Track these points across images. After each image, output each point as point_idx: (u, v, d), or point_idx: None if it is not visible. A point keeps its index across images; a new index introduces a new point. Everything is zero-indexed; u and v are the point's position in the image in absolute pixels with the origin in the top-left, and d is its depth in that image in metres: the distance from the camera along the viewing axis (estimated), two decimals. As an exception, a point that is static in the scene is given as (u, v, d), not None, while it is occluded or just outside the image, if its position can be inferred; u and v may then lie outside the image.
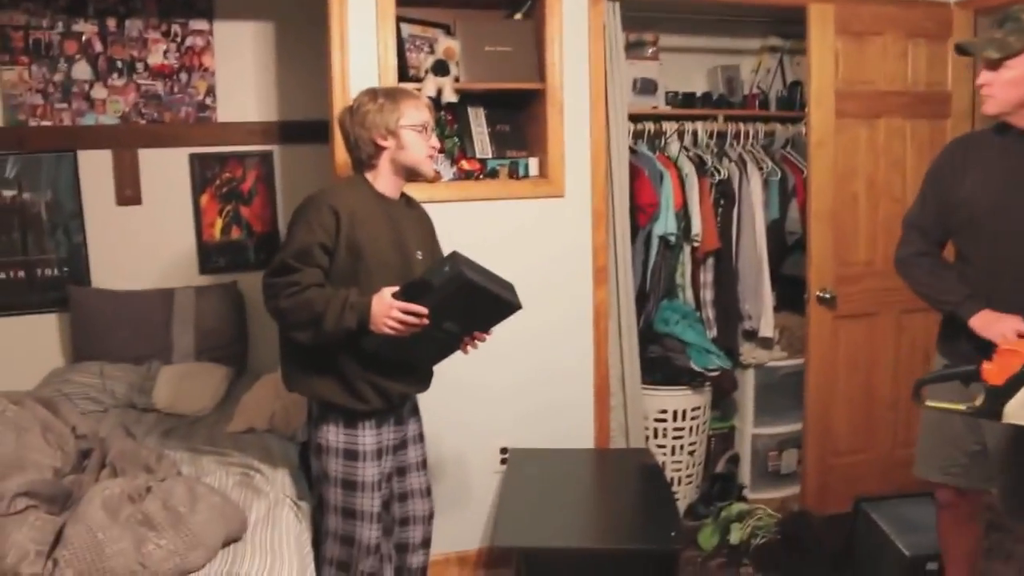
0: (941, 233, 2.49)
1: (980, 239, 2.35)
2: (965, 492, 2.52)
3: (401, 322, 2.18)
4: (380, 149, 2.40)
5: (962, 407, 2.08)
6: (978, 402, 2.04)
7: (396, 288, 2.22)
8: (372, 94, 2.43)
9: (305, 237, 2.27)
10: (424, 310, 2.17)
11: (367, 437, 2.42)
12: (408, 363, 2.44)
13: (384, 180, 2.44)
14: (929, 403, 2.18)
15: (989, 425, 2.31)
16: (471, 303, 2.25)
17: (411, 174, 2.48)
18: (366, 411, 2.40)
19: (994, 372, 2.00)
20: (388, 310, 2.18)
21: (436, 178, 2.51)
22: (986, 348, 2.15)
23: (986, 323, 2.22)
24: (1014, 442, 2.27)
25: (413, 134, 2.40)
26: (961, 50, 2.32)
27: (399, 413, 2.56)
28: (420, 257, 2.47)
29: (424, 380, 2.61)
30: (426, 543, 2.72)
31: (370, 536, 2.44)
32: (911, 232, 2.55)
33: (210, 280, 3.94)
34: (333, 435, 2.41)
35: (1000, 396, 1.99)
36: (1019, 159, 2.26)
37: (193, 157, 3.94)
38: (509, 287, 2.33)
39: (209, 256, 3.99)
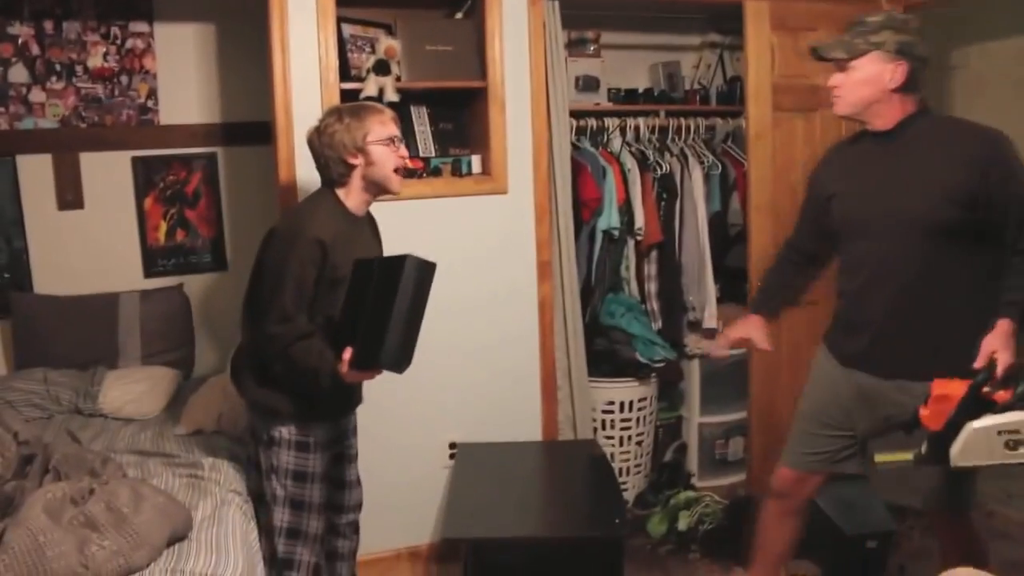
0: (810, 241, 2.61)
1: (843, 239, 2.45)
2: (806, 478, 2.60)
3: None
4: (351, 167, 2.42)
5: (910, 456, 2.10)
6: (923, 449, 2.05)
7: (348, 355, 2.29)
8: (337, 113, 2.45)
9: (301, 280, 2.31)
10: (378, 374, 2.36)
11: (319, 430, 2.50)
12: None
13: (355, 197, 2.47)
14: (879, 459, 2.20)
15: (863, 414, 2.42)
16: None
17: (380, 190, 2.49)
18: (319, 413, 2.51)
19: (931, 418, 2.02)
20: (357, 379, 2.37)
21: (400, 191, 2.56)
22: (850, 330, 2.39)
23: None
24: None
25: (381, 148, 2.42)
26: (815, 53, 2.38)
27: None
28: None
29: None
30: (356, 528, 2.82)
31: (317, 527, 2.50)
32: (781, 248, 2.76)
33: (155, 284, 3.91)
34: (286, 429, 2.46)
35: (943, 440, 2.01)
36: (872, 161, 2.34)
37: (136, 160, 3.90)
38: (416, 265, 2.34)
39: (154, 259, 3.96)
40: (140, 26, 3.87)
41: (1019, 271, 2.16)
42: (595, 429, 3.72)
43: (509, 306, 3.41)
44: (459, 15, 3.46)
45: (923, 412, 2.03)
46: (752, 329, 2.63)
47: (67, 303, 3.69)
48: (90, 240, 3.83)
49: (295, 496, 2.47)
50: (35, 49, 3.73)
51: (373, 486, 3.25)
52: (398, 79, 3.23)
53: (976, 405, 1.97)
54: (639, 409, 3.76)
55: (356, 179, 2.45)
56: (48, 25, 3.74)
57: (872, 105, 2.25)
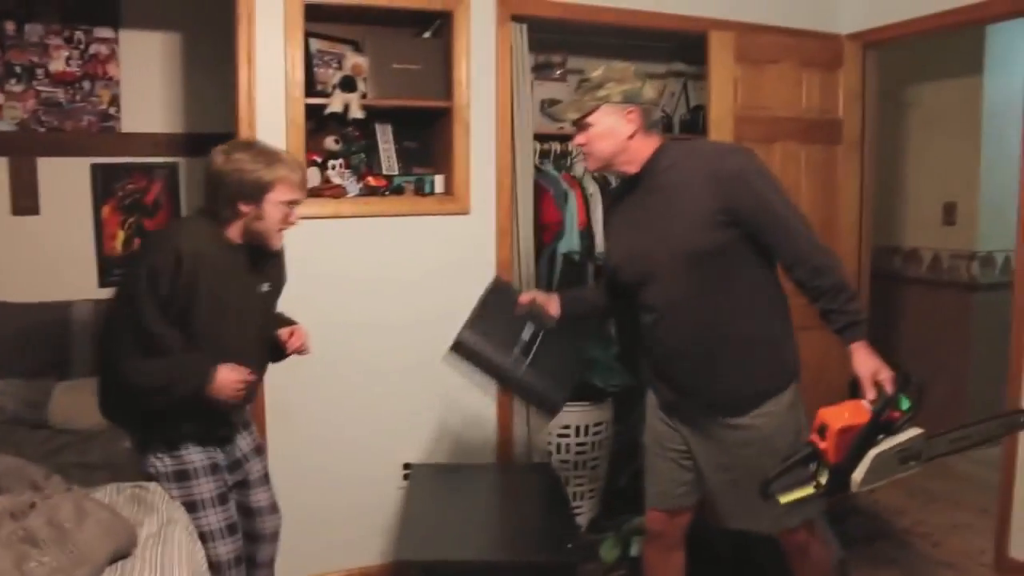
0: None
1: (630, 292, 2.46)
2: (675, 515, 2.62)
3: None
4: (239, 213, 2.32)
5: (811, 490, 2.08)
6: (823, 480, 2.04)
7: None
8: (251, 151, 2.32)
9: (153, 296, 2.20)
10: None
11: (193, 454, 2.41)
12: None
13: (233, 232, 2.36)
14: (783, 499, 2.11)
15: (697, 449, 2.45)
16: None
17: (258, 240, 2.38)
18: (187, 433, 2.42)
19: (833, 451, 2.00)
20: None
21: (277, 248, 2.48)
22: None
23: None
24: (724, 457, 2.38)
25: (276, 209, 2.32)
26: (553, 118, 2.44)
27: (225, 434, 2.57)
28: (265, 288, 2.49)
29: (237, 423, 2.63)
30: (271, 561, 2.72)
31: (228, 551, 2.43)
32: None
33: (110, 294, 3.85)
34: (160, 461, 2.41)
35: (844, 471, 2.01)
36: (633, 207, 2.40)
37: (95, 167, 3.86)
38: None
39: (110, 269, 3.91)
40: (105, 32, 3.84)
41: (824, 292, 2.18)
42: (550, 453, 3.72)
43: (468, 327, 3.40)
44: (427, 34, 3.47)
45: (822, 446, 2.02)
46: (550, 301, 2.63)
47: (17, 310, 3.63)
48: (44, 247, 3.78)
49: (196, 527, 2.39)
50: (-5, 50, 3.68)
51: (325, 505, 3.23)
52: (364, 96, 3.23)
53: (876, 431, 1.99)
54: (595, 434, 3.76)
55: (238, 224, 2.34)
56: (9, 26, 3.69)
57: (619, 155, 2.31)
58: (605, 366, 3.79)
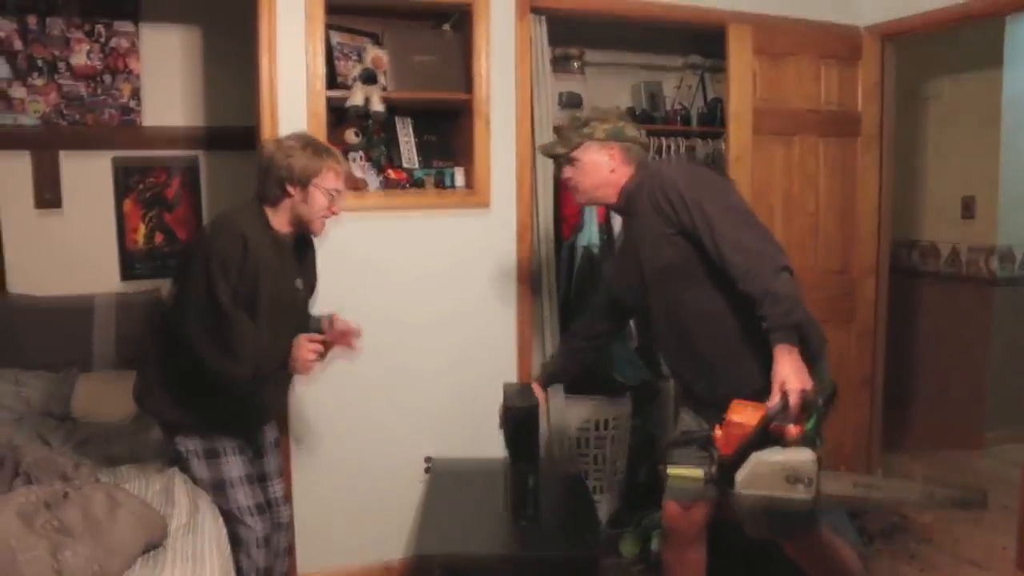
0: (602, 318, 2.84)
1: (640, 310, 2.63)
2: (689, 508, 2.62)
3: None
4: (286, 194, 2.44)
5: (699, 474, 2.13)
6: (713, 470, 2.08)
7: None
8: (303, 140, 2.49)
9: (226, 279, 2.30)
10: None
11: (223, 437, 2.52)
12: None
13: (278, 220, 2.49)
14: (671, 472, 2.22)
15: None
16: None
17: (303, 227, 2.52)
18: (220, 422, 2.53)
19: (723, 441, 2.03)
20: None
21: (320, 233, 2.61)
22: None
23: None
24: None
25: (320, 195, 2.45)
26: (543, 151, 2.66)
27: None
28: (299, 286, 2.59)
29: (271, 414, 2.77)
30: (289, 549, 2.82)
31: (259, 530, 2.51)
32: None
33: (132, 287, 3.88)
34: (191, 441, 2.50)
35: (730, 467, 2.02)
36: (626, 234, 2.61)
37: (117, 161, 3.88)
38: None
39: (131, 263, 3.93)
40: (125, 26, 3.85)
41: (755, 298, 2.16)
42: (570, 447, 3.73)
43: (488, 320, 3.40)
44: (446, 27, 3.47)
45: (717, 433, 2.06)
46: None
47: (41, 304, 3.65)
48: (67, 240, 3.80)
49: (221, 505, 2.47)
50: (17, 44, 3.70)
51: (346, 498, 3.25)
52: (384, 89, 3.24)
53: (766, 437, 1.99)
54: (614, 428, 3.77)
55: (285, 207, 2.47)
56: (32, 20, 3.71)
57: (600, 188, 2.50)
58: (624, 360, 3.80)
